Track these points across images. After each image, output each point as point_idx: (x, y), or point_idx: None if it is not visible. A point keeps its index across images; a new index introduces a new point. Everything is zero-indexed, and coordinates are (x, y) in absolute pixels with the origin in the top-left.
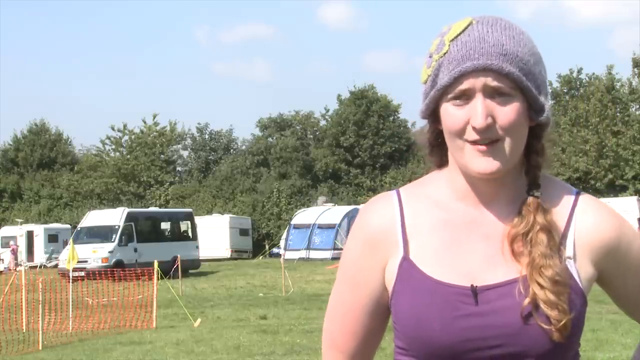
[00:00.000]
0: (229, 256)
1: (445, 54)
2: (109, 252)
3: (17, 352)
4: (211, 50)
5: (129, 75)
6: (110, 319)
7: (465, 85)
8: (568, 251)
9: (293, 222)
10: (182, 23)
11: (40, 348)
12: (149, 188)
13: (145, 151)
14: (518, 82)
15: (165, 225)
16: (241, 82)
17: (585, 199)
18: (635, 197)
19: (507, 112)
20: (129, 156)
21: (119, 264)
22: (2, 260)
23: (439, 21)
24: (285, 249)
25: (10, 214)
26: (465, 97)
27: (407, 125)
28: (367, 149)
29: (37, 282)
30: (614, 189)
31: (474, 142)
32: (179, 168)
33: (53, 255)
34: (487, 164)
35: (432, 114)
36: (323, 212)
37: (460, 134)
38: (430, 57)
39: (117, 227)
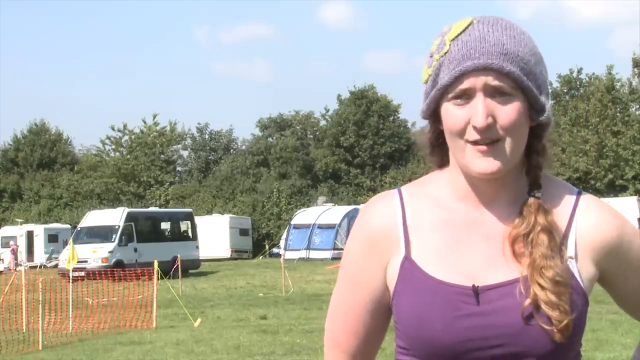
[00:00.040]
0: (229, 256)
1: (446, 53)
2: (109, 252)
3: (17, 352)
4: (211, 50)
5: (129, 75)
6: (110, 319)
7: (465, 84)
8: (570, 251)
9: (293, 222)
10: (182, 23)
11: (40, 348)
12: (149, 188)
13: (145, 151)
14: (519, 81)
15: (165, 225)
16: (241, 82)
17: (587, 198)
18: (635, 197)
19: (508, 112)
20: (129, 156)
21: (119, 264)
22: (2, 260)
23: (439, 21)
24: (285, 249)
25: (10, 214)
26: (466, 96)
27: (407, 125)
28: (367, 149)
29: (37, 282)
30: (614, 189)
31: (474, 143)
32: (179, 168)
33: (53, 255)
34: (487, 164)
35: (433, 114)
36: (323, 212)
37: (461, 133)
38: (431, 56)
39: (117, 227)
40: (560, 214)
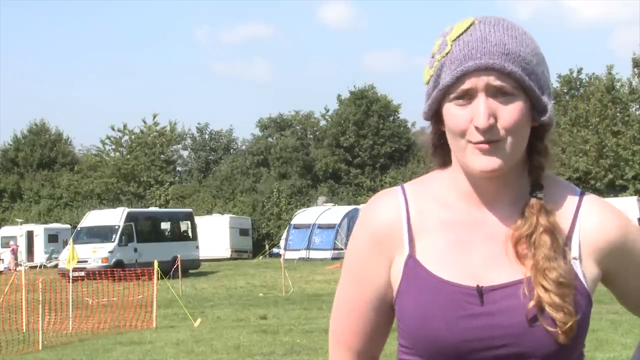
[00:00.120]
0: (229, 256)
1: (447, 53)
2: (109, 252)
3: (17, 352)
4: (211, 50)
5: (129, 75)
6: (110, 319)
7: (467, 84)
8: (574, 252)
9: (293, 222)
10: (182, 23)
11: (40, 348)
12: (149, 188)
13: (145, 151)
14: (520, 81)
15: (165, 225)
16: (241, 82)
17: (590, 199)
18: (635, 197)
19: (510, 112)
20: (129, 156)
21: (119, 264)
22: (2, 260)
23: (439, 21)
24: (285, 249)
25: (10, 214)
26: (468, 96)
27: (407, 125)
28: (367, 149)
29: (37, 282)
30: (614, 189)
31: (476, 143)
32: (179, 168)
33: (53, 255)
34: (487, 162)
35: (435, 115)
36: (323, 212)
37: (463, 134)
38: (433, 57)
39: (117, 227)
40: (563, 214)
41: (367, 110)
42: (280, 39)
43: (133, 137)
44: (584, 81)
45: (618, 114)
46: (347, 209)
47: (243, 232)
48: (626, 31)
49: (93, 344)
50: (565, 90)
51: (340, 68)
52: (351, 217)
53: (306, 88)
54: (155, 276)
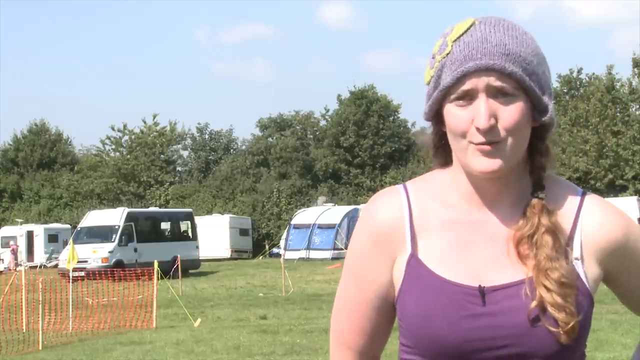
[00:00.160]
0: (229, 256)
1: (447, 54)
2: (109, 252)
3: (17, 352)
4: (211, 50)
5: (129, 75)
6: (110, 319)
7: (468, 85)
8: (575, 252)
9: (293, 222)
10: (182, 23)
11: (40, 348)
12: (149, 188)
13: (145, 151)
14: (521, 82)
15: (165, 225)
16: (241, 82)
17: (592, 199)
18: (635, 197)
19: (511, 112)
20: (129, 156)
21: (119, 264)
22: (2, 260)
23: (439, 21)
24: (285, 249)
25: (10, 214)
26: (469, 97)
27: (407, 125)
28: (367, 149)
29: (37, 282)
30: (614, 189)
31: (477, 144)
32: (179, 168)
33: (53, 255)
34: (488, 163)
35: (436, 116)
36: (323, 212)
37: (463, 135)
38: (433, 58)
39: (117, 227)
40: (565, 214)
41: (367, 110)
42: (280, 39)
43: (133, 137)
44: (584, 81)
45: (618, 114)
46: (347, 209)
47: (243, 232)
48: (626, 31)
49: (93, 344)
50: (565, 90)
51: (340, 68)
52: (351, 217)
53: (306, 88)
54: (155, 276)
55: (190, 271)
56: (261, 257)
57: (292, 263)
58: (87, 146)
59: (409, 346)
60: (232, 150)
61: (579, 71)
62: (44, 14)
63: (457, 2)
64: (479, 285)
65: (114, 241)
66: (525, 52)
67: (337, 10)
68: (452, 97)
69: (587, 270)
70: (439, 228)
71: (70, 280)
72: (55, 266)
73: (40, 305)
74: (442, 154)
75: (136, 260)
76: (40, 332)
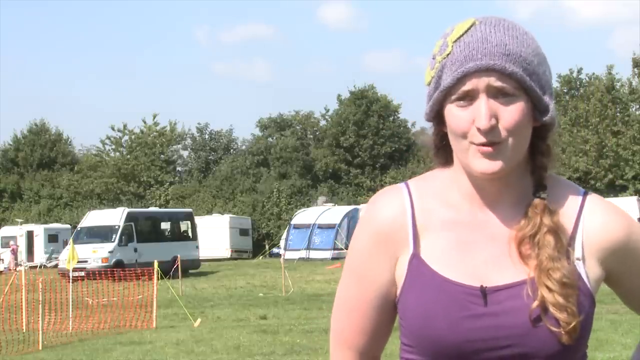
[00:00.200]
0: (229, 256)
1: (448, 55)
2: (109, 252)
3: (17, 352)
4: (211, 50)
5: (129, 75)
6: (110, 319)
7: (468, 86)
8: (577, 252)
9: (293, 222)
10: (182, 23)
11: (40, 348)
12: (149, 188)
13: (145, 151)
14: (522, 82)
15: (165, 225)
16: (241, 82)
17: (593, 199)
18: (635, 197)
19: (511, 112)
20: (129, 156)
21: (119, 264)
22: (2, 260)
23: (439, 21)
24: (285, 249)
25: (10, 214)
26: (469, 98)
27: (407, 125)
28: (367, 149)
29: (37, 282)
30: (614, 189)
31: (479, 145)
32: (179, 168)
33: (53, 255)
34: (489, 165)
35: (437, 116)
36: (323, 212)
37: (464, 135)
38: (434, 58)
39: (117, 227)
40: (567, 214)
41: (367, 110)
42: (280, 39)
43: (133, 137)
44: (584, 81)
45: (618, 114)
46: (347, 209)
47: (243, 232)
48: (626, 31)
49: (93, 344)
50: (565, 90)
51: (340, 68)
52: (351, 217)
53: (306, 88)
54: (155, 276)
55: (190, 271)
56: (261, 257)
57: (292, 263)
58: (87, 146)
59: (410, 346)
60: (232, 150)
61: (579, 71)
62: (44, 14)
63: (457, 2)
64: (481, 286)
65: (114, 241)
66: (525, 52)
67: (337, 10)
68: (453, 97)
69: (589, 270)
70: (440, 228)
71: (70, 280)
72: (55, 266)
73: (40, 305)
74: (443, 154)
75: (136, 260)
76: (40, 332)
